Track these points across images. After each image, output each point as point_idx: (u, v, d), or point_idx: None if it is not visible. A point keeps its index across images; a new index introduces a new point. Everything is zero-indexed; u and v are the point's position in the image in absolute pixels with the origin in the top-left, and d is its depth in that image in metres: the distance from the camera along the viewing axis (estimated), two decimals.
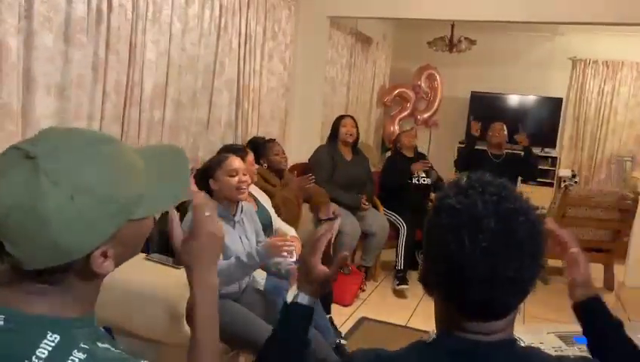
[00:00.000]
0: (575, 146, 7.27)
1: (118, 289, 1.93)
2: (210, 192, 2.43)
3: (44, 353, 0.71)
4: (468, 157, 4.57)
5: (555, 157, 7.13)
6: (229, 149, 2.90)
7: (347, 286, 3.66)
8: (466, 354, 0.92)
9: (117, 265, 0.80)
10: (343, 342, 2.95)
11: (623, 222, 4.27)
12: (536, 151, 7.30)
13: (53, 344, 0.72)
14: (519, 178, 4.69)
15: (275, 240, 2.23)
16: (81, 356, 0.72)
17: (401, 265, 3.98)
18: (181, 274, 2.06)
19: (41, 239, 0.71)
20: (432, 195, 4.48)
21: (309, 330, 1.16)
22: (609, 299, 4.23)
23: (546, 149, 7.20)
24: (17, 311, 0.75)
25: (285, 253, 2.16)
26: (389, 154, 7.10)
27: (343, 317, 3.40)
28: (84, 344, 0.74)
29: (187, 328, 1.99)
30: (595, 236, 4.37)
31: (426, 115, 7.47)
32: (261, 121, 4.22)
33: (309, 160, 4.09)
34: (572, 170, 7.17)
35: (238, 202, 2.43)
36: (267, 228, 2.93)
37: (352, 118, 4.17)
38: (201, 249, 0.98)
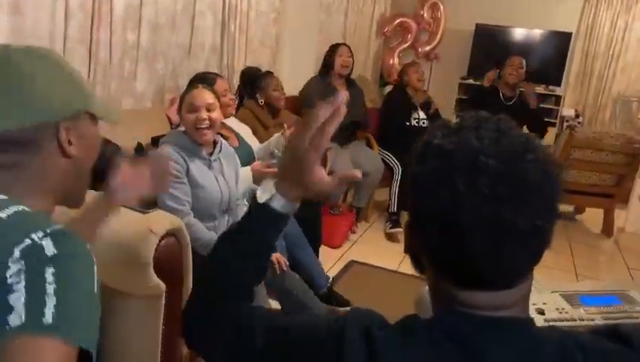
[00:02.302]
0: (581, 85, 6.95)
1: None
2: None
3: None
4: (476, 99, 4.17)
5: (560, 96, 6.84)
6: (197, 79, 2.61)
7: (337, 227, 3.49)
8: (471, 336, 0.71)
9: (78, 163, 0.88)
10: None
11: (628, 167, 4.07)
12: (540, 89, 7.02)
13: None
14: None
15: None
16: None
17: (394, 208, 3.80)
18: (148, 218, 1.88)
19: (24, 97, 0.80)
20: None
21: (277, 239, 0.88)
22: (607, 246, 4.11)
23: (551, 87, 6.89)
24: None
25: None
26: (389, 89, 6.87)
27: (331, 261, 3.25)
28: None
29: (154, 278, 1.82)
30: (599, 180, 4.18)
31: (427, 48, 7.09)
32: (249, 48, 3.89)
33: (299, 93, 3.80)
34: (576, 110, 6.89)
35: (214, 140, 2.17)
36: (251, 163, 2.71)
37: (347, 47, 3.85)
38: None
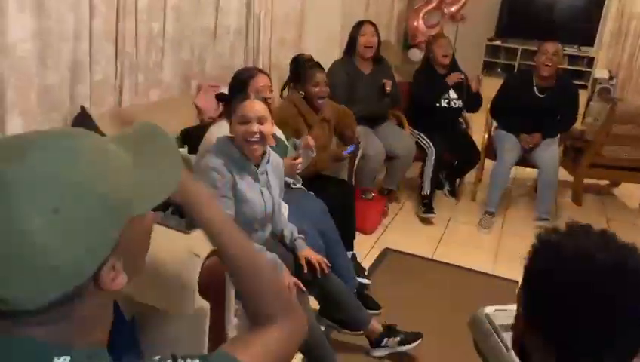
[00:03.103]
0: (616, 45, 6.65)
1: None
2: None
3: None
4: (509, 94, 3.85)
5: (592, 58, 6.57)
6: (240, 76, 2.50)
7: (369, 212, 3.41)
8: None
9: (130, 276, 0.68)
10: (365, 281, 2.76)
11: None
12: (572, 50, 6.74)
13: None
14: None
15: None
16: None
17: (427, 190, 3.70)
18: (190, 239, 1.82)
19: (36, 269, 0.58)
20: (464, 115, 4.05)
21: None
22: (637, 221, 4.00)
23: (583, 48, 6.62)
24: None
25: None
26: (413, 52, 6.63)
27: (365, 248, 3.19)
28: None
29: (199, 301, 1.78)
30: (638, 155, 4.01)
31: (453, 8, 6.78)
32: (274, 27, 3.74)
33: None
34: (609, 72, 6.62)
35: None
36: None
37: (372, 24, 3.63)
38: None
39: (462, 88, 3.79)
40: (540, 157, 3.68)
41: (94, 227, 0.61)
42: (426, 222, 3.66)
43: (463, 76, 3.78)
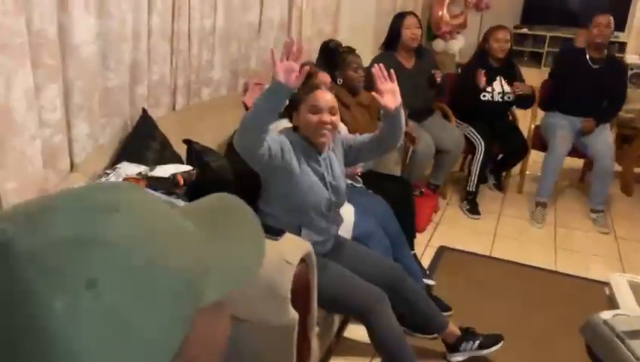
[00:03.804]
0: None
1: None
2: (295, 128, 2.00)
3: None
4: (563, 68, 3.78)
5: (624, 43, 6.42)
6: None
7: (420, 210, 3.30)
8: None
9: None
10: (430, 282, 2.66)
11: None
12: None
13: None
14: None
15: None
16: None
17: (473, 186, 3.60)
18: (280, 245, 1.73)
19: None
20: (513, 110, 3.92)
21: None
22: None
23: (614, 33, 6.47)
24: None
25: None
26: (437, 42, 6.50)
27: (420, 247, 3.10)
28: None
29: (291, 311, 1.69)
30: None
31: None
32: (315, 19, 3.63)
33: (366, 75, 3.51)
34: None
35: None
36: None
37: (415, 15, 3.52)
38: None
39: (516, 80, 3.67)
40: (595, 145, 3.57)
41: (145, 335, 0.40)
42: (473, 218, 3.56)
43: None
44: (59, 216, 0.41)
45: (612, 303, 2.04)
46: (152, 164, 2.03)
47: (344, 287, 1.94)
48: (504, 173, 4.02)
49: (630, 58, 6.46)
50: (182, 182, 1.84)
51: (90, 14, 1.91)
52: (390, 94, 1.93)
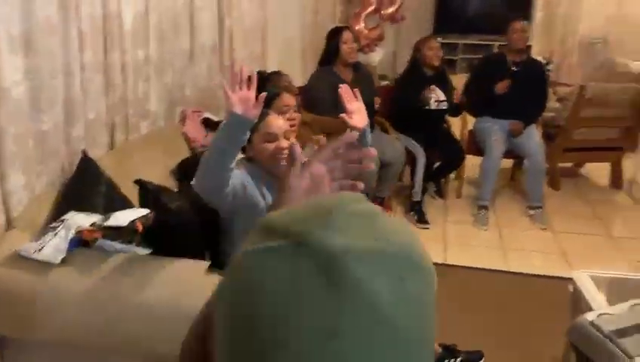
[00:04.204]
0: (547, 32, 6.97)
1: (129, 304, 1.47)
2: (250, 158, 1.91)
3: None
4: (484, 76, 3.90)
5: (527, 45, 6.82)
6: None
7: None
8: None
9: None
10: None
11: (636, 119, 4.08)
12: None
13: None
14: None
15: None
16: None
17: (418, 196, 3.65)
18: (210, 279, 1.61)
19: None
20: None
21: None
22: (616, 198, 4.16)
23: None
24: None
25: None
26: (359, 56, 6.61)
27: None
28: None
29: None
30: (606, 135, 4.18)
31: (390, 10, 6.85)
32: (245, 41, 3.54)
33: (303, 93, 3.46)
34: (544, 58, 6.91)
35: None
36: None
37: (350, 29, 3.55)
38: None
39: (448, 88, 3.77)
40: (526, 146, 3.73)
41: None
42: (422, 228, 3.60)
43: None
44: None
45: (576, 299, 2.09)
46: (101, 210, 1.85)
47: None
48: (443, 180, 4.11)
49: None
50: (141, 228, 1.68)
51: (15, 53, 1.72)
52: (358, 114, 1.89)
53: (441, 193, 4.10)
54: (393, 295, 0.40)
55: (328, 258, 0.39)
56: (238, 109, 1.55)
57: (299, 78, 4.11)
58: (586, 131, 4.11)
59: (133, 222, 1.64)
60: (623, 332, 1.52)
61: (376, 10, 6.71)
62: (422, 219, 3.63)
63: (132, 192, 2.05)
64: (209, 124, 3.02)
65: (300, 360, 0.38)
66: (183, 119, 2.94)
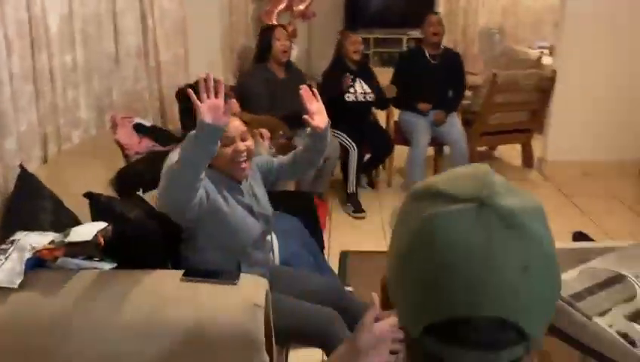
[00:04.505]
0: (450, 24, 7.32)
1: (105, 324, 1.40)
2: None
3: None
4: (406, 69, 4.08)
5: None
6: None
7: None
8: None
9: None
10: (349, 289, 2.68)
11: (541, 102, 4.43)
12: (414, 33, 7.27)
13: None
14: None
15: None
16: None
17: (353, 188, 3.74)
18: (241, 289, 1.58)
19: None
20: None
21: None
22: (534, 176, 4.49)
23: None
24: None
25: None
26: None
27: None
28: None
29: (265, 356, 1.56)
30: (516, 118, 4.49)
31: (302, 6, 6.91)
32: (169, 43, 3.43)
33: (236, 89, 3.43)
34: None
35: None
36: None
37: (283, 28, 3.56)
38: None
39: (372, 81, 3.87)
40: (449, 134, 3.93)
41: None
42: (359, 218, 3.69)
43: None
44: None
45: None
46: (49, 227, 1.74)
47: (296, 316, 1.85)
48: (374, 171, 4.22)
49: None
50: (102, 242, 1.60)
51: None
52: (319, 114, 1.90)
53: (372, 183, 4.21)
54: (547, 235, 0.55)
55: (510, 214, 0.53)
56: (208, 118, 1.50)
57: (224, 77, 4.05)
58: (499, 116, 4.40)
59: (96, 235, 1.55)
60: (578, 297, 1.66)
61: (288, 7, 6.73)
62: (358, 210, 3.72)
63: (78, 206, 1.93)
64: (141, 130, 2.91)
65: (504, 291, 0.51)
66: (114, 126, 2.80)
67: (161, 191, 1.60)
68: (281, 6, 6.65)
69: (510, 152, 4.93)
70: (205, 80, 1.52)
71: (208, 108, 1.49)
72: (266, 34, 3.56)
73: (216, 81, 1.53)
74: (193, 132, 1.52)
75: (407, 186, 3.95)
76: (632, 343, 1.50)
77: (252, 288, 1.55)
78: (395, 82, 4.09)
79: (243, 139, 1.82)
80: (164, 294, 1.48)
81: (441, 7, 7.23)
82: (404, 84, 4.01)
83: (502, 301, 0.52)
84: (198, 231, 1.79)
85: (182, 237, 1.83)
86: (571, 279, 1.76)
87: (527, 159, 4.69)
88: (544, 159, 4.54)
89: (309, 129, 1.97)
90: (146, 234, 1.69)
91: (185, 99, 2.86)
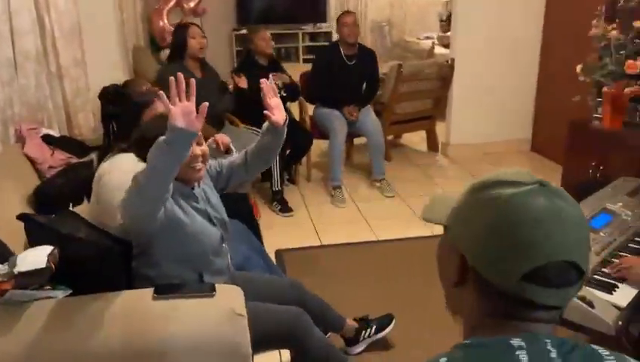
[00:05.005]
0: None
1: (76, 357, 1.29)
2: None
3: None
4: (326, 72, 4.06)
5: (329, 32, 7.27)
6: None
7: None
8: None
9: None
10: None
11: (442, 89, 4.66)
12: (309, 27, 7.34)
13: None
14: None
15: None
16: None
17: (278, 185, 3.69)
18: (219, 300, 1.48)
19: None
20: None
21: None
22: (437, 160, 4.74)
23: (318, 24, 7.28)
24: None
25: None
26: (165, 54, 6.32)
27: None
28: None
29: None
30: (421, 106, 4.70)
31: (192, 4, 6.70)
32: (68, 46, 3.14)
33: (154, 82, 3.26)
34: None
35: None
36: None
37: (198, 26, 3.44)
38: None
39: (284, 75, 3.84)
40: (365, 126, 4.01)
41: None
42: (286, 214, 3.66)
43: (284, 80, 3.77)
44: None
45: None
46: None
47: (265, 321, 1.79)
48: (294, 166, 4.20)
49: None
50: (53, 267, 1.43)
51: None
52: (277, 109, 1.85)
53: (292, 179, 4.19)
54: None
55: (561, 191, 0.73)
56: (181, 122, 1.39)
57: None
58: (405, 105, 4.57)
59: (48, 261, 1.39)
60: None
61: (178, 4, 6.51)
62: (285, 208, 3.68)
63: (5, 231, 1.71)
64: (51, 142, 2.65)
65: (574, 241, 0.70)
66: (21, 139, 2.53)
67: (126, 204, 1.46)
68: (171, 3, 6.42)
69: (414, 139, 5.15)
70: (177, 81, 1.41)
71: (182, 112, 1.39)
72: (180, 32, 3.41)
73: (187, 84, 1.43)
74: (162, 138, 1.40)
75: (330, 179, 3.96)
76: (590, 304, 1.64)
77: (230, 298, 1.47)
78: (312, 77, 4.09)
79: (199, 143, 1.72)
80: (139, 316, 1.36)
81: (332, 3, 7.36)
82: (320, 80, 4.03)
83: (572, 249, 0.70)
84: (154, 244, 1.66)
85: (133, 253, 1.69)
86: None
87: (433, 144, 4.93)
88: (448, 143, 4.80)
89: (266, 125, 1.91)
90: (102, 253, 1.54)
91: (117, 102, 2.67)
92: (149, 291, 1.44)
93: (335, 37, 7.24)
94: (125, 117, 2.14)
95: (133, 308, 1.39)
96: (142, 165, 1.56)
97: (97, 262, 1.52)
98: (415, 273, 2.83)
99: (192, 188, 1.78)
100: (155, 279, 1.66)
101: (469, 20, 4.49)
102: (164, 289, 1.47)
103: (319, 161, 4.58)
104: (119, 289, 1.52)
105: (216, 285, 1.52)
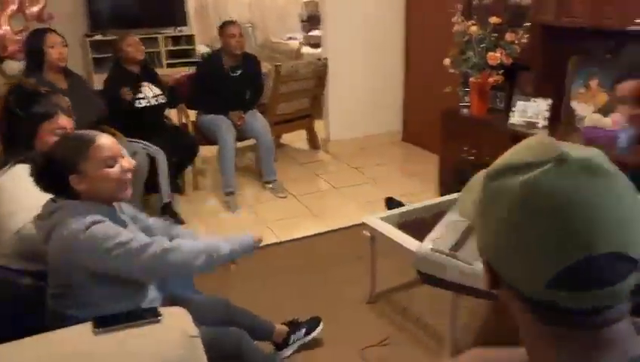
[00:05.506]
0: (202, 20, 7.33)
1: None
2: (71, 195, 1.56)
3: None
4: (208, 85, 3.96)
5: (191, 35, 7.07)
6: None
7: None
8: None
9: None
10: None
11: (318, 88, 4.78)
12: (169, 31, 7.06)
13: None
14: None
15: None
16: None
17: (168, 197, 3.53)
18: (168, 324, 1.37)
19: None
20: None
21: None
22: (320, 157, 4.86)
23: (179, 28, 7.03)
24: None
25: None
26: (11, 63, 5.70)
27: None
28: None
29: None
30: (299, 106, 4.78)
31: (35, 9, 6.13)
32: None
33: None
34: (208, 45, 7.30)
35: None
36: None
37: (58, 33, 3.13)
38: None
39: (160, 83, 3.69)
40: (254, 128, 3.98)
41: None
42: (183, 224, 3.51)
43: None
44: None
45: (374, 241, 2.46)
46: None
47: (213, 345, 1.69)
48: (179, 175, 4.04)
49: (201, 48, 7.22)
50: None
51: None
52: None
53: (179, 189, 4.03)
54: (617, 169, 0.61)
55: (588, 162, 0.59)
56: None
57: None
58: (285, 105, 4.61)
59: None
60: (455, 248, 1.91)
61: (19, 10, 5.91)
62: (177, 221, 3.52)
63: None
64: None
65: (613, 226, 0.57)
66: None
67: (168, 264, 1.52)
68: (12, 8, 5.82)
69: (293, 138, 5.22)
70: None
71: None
72: (34, 41, 3.08)
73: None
74: (250, 240, 1.89)
75: (223, 186, 3.86)
76: None
77: (179, 320, 1.39)
78: (194, 89, 3.98)
79: (122, 156, 1.60)
80: (83, 354, 1.22)
81: (191, 4, 7.16)
82: (202, 91, 3.93)
83: (611, 236, 0.56)
84: (92, 283, 1.49)
85: (51, 292, 1.51)
86: (442, 235, 2.01)
87: (313, 142, 5.04)
88: (328, 140, 4.94)
89: None
90: (20, 293, 1.36)
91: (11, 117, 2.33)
92: (86, 326, 1.30)
93: (202, 45, 7.12)
94: (21, 126, 1.91)
95: (74, 347, 1.25)
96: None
97: (20, 304, 1.35)
98: (324, 269, 2.88)
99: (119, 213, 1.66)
100: (85, 321, 1.49)
101: (337, 21, 4.65)
102: (104, 322, 1.33)
103: (203, 167, 4.46)
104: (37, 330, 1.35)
105: (159, 308, 1.42)
